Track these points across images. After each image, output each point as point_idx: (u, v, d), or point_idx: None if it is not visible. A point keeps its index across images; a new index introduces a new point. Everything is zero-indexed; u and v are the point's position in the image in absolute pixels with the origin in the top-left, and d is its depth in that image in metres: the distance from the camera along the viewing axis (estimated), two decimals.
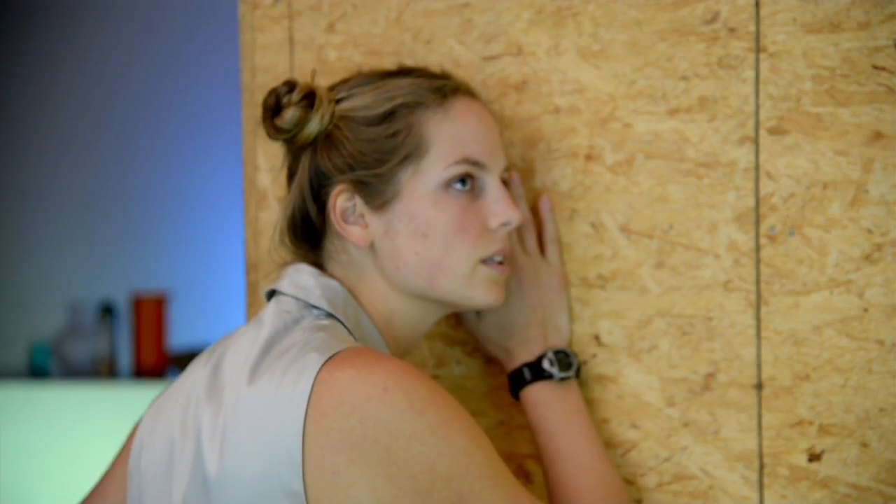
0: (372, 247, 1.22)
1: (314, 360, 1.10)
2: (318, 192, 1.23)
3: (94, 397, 3.66)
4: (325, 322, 1.18)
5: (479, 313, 1.36)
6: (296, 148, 1.24)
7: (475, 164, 1.22)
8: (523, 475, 1.38)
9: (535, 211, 1.35)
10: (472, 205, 1.22)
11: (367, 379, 1.08)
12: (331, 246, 1.25)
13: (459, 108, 1.23)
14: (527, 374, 1.30)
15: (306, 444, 1.07)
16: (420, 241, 1.21)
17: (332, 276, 1.24)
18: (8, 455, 3.58)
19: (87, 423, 3.54)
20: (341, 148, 1.21)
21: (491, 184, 1.23)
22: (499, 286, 1.24)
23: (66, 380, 3.79)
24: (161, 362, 3.82)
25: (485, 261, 1.23)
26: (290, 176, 1.27)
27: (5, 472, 3.57)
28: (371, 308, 1.23)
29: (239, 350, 1.18)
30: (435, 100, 1.22)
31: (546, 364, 1.29)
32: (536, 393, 1.29)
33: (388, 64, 1.39)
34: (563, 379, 1.29)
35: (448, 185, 1.21)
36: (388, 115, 1.21)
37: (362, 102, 1.22)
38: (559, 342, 1.32)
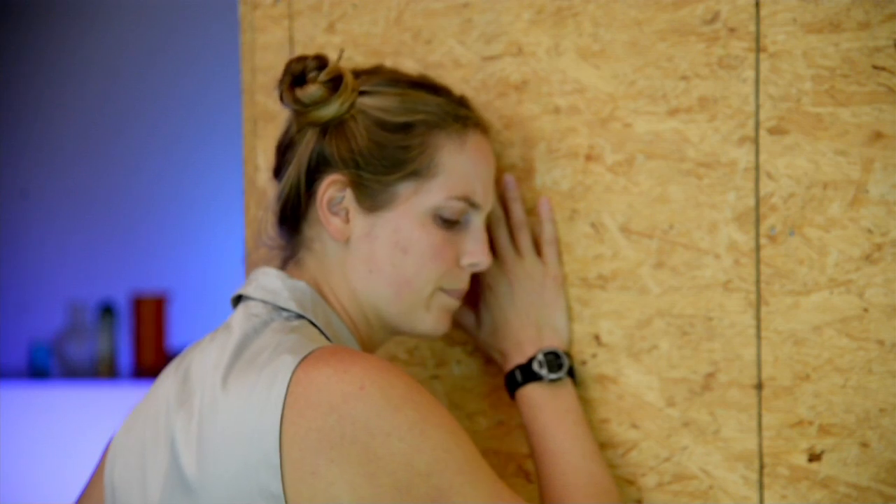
0: (347, 242, 1.22)
1: (288, 362, 1.09)
2: (313, 173, 1.22)
3: (94, 397, 3.66)
4: (296, 323, 1.17)
5: (476, 317, 1.36)
6: (304, 122, 1.23)
7: (472, 204, 1.23)
8: (523, 475, 1.38)
9: (533, 212, 1.35)
10: (452, 237, 1.23)
11: (344, 377, 1.07)
12: (309, 231, 1.24)
13: (474, 144, 1.24)
14: (518, 375, 1.30)
15: (284, 445, 1.07)
16: (398, 254, 1.21)
17: (302, 264, 1.24)
18: (8, 455, 3.58)
19: (87, 423, 3.54)
20: (351, 141, 1.21)
21: (476, 223, 1.25)
22: (449, 315, 1.26)
23: (66, 380, 3.79)
24: (161, 362, 3.82)
25: (444, 289, 1.25)
26: (287, 145, 1.25)
27: (5, 472, 3.57)
28: (339, 305, 1.23)
29: (208, 356, 1.17)
30: (455, 128, 1.23)
31: (536, 366, 1.29)
32: (528, 394, 1.29)
33: (389, 64, 1.39)
34: (553, 380, 1.29)
35: (439, 213, 1.22)
36: (407, 127, 1.21)
37: (385, 104, 1.21)
38: (556, 343, 1.31)
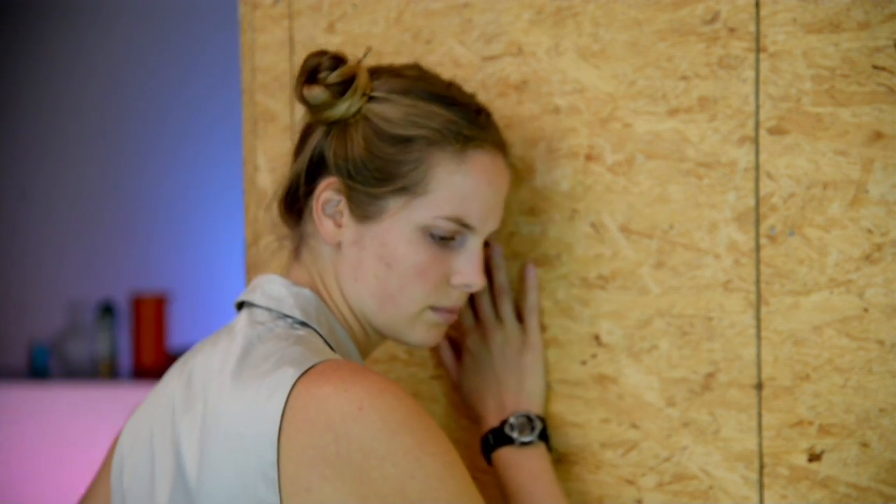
0: (339, 247, 1.21)
1: (289, 375, 1.08)
2: (314, 170, 1.21)
3: (94, 397, 3.66)
4: (301, 332, 1.16)
5: (459, 379, 1.37)
6: (313, 118, 1.21)
7: (464, 225, 1.20)
8: None
9: (531, 256, 1.36)
10: (443, 255, 1.20)
11: (344, 396, 1.05)
12: (308, 227, 1.23)
13: (475, 164, 1.20)
14: (490, 439, 1.30)
15: (281, 459, 1.05)
16: (382, 268, 1.19)
17: (301, 261, 1.23)
18: (8, 455, 3.58)
19: (87, 423, 3.54)
20: (348, 147, 1.18)
21: (471, 244, 1.21)
22: (439, 329, 1.24)
23: (66, 380, 3.79)
24: (161, 362, 3.82)
25: (434, 307, 1.22)
26: (305, 131, 1.24)
27: (5, 472, 3.57)
28: (335, 307, 1.22)
29: (211, 361, 1.16)
30: (455, 147, 1.18)
31: (507, 428, 1.29)
32: (502, 456, 1.28)
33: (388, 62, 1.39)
34: (524, 443, 1.28)
35: (430, 230, 1.19)
36: (404, 140, 1.18)
37: (388, 114, 1.18)
38: (531, 407, 1.31)
